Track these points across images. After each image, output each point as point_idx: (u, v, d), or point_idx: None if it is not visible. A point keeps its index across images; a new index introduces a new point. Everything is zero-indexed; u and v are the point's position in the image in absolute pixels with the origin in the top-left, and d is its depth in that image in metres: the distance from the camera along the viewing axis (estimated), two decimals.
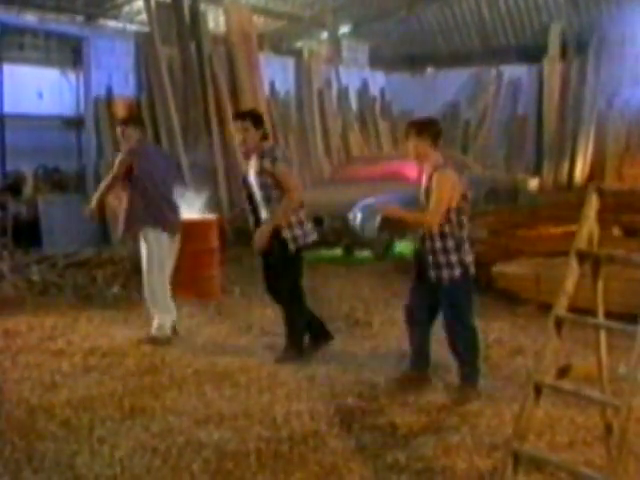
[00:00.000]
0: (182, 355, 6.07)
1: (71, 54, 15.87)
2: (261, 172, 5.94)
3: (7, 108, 15.38)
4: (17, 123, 15.19)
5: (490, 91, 19.63)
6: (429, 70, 20.96)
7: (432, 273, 5.17)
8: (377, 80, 19.85)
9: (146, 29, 14.50)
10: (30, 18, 14.00)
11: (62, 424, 4.58)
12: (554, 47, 19.19)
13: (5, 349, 6.43)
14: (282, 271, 6.01)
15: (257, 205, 6.05)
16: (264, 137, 6.15)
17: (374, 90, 19.42)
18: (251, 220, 6.12)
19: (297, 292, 6.09)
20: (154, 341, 6.51)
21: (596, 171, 17.83)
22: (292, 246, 5.93)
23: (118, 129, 6.90)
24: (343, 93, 18.21)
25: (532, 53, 19.24)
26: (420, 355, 5.43)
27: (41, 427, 4.54)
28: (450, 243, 5.10)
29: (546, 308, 7.51)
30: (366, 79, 19.31)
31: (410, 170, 10.79)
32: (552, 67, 19.03)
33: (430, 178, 5.15)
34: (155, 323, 6.63)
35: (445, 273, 5.13)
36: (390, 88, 19.98)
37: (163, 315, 6.62)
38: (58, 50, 15.66)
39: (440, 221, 5.08)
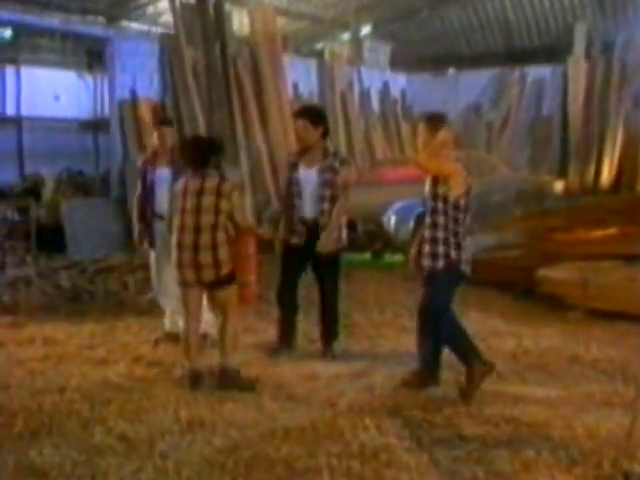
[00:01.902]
0: None
1: (88, 56, 15.74)
2: (326, 170, 6.01)
3: (24, 111, 15.28)
4: (34, 125, 15.08)
5: (514, 92, 19.34)
6: (451, 71, 20.65)
7: (420, 262, 5.14)
8: (398, 81, 19.63)
9: (169, 31, 14.36)
10: (51, 20, 13.83)
11: (120, 438, 4.38)
12: (579, 47, 18.87)
13: (45, 358, 6.26)
14: (336, 270, 6.22)
15: (304, 202, 6.07)
16: (324, 135, 6.10)
17: (395, 91, 19.21)
18: (296, 217, 6.12)
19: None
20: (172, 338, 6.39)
21: (625, 173, 17.52)
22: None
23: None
24: (365, 95, 18.00)
25: (556, 53, 18.88)
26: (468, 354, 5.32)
27: (98, 441, 4.34)
28: (440, 234, 5.02)
29: (595, 314, 7.42)
30: (387, 80, 19.11)
31: None
32: (577, 68, 18.71)
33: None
34: (168, 322, 6.60)
35: (427, 261, 5.06)
36: (411, 89, 19.74)
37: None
38: (75, 53, 15.55)
39: (427, 165, 5.21)
